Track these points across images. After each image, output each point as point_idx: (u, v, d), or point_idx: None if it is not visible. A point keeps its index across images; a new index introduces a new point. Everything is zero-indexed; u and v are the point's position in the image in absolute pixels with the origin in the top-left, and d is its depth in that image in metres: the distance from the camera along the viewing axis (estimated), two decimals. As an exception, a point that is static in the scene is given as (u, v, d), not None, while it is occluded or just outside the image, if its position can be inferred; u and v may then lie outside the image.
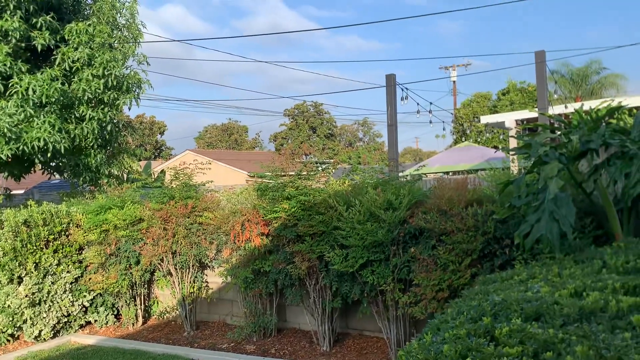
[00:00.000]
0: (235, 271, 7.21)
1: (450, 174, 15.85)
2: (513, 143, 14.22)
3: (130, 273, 7.97)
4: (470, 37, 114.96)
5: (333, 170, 7.82)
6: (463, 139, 33.14)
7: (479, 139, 32.31)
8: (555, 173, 3.89)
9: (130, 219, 7.95)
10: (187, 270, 7.85)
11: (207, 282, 8.14)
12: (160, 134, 61.49)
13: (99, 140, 9.90)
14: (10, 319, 7.64)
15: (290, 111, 59.23)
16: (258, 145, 63.97)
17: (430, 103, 21.59)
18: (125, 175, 12.26)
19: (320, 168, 7.86)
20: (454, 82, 37.40)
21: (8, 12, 8.64)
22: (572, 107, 12.56)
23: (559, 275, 3.12)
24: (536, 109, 11.62)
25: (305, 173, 7.29)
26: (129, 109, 10.43)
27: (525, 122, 13.93)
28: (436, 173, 16.16)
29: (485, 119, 15.78)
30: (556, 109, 13.14)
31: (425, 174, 13.61)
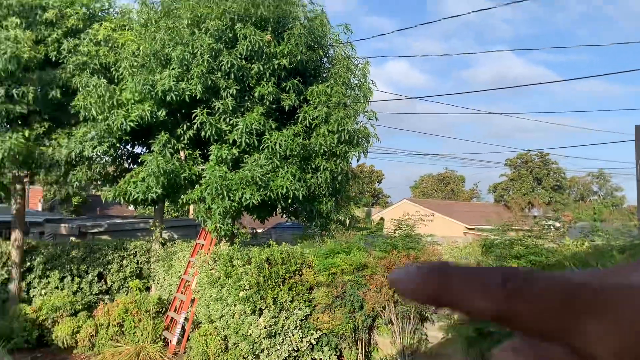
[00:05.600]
0: (458, 328, 7.02)
1: None
2: None
3: (354, 317, 8.37)
4: None
5: (567, 229, 7.20)
6: None
7: None
8: None
9: (356, 265, 8.41)
10: (408, 320, 7.93)
11: (426, 335, 8.09)
12: (378, 182, 64.12)
13: (330, 189, 10.79)
14: (251, 347, 8.62)
15: (513, 161, 56.40)
16: (476, 196, 62.13)
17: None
18: (348, 221, 13.08)
19: (552, 226, 7.33)
20: None
21: (264, 79, 10.15)
22: None
23: None
24: None
25: (535, 230, 6.86)
26: (357, 160, 11.20)
27: None
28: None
29: None
30: None
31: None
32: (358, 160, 12.03)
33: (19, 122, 10.96)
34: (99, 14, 11.98)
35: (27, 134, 10.40)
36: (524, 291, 0.25)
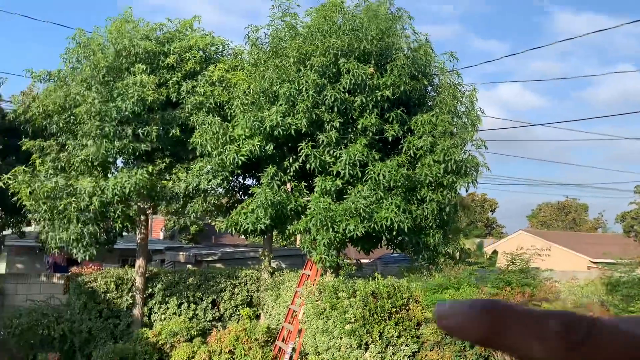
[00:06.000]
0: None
1: None
2: None
3: (465, 356, 7.94)
4: None
5: None
6: None
7: None
8: None
9: (465, 301, 8.02)
10: (523, 363, 7.38)
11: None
12: (491, 211, 61.33)
13: (437, 220, 10.46)
14: (357, 381, 8.47)
15: (643, 188, 51.26)
16: (601, 226, 57.17)
17: None
18: (458, 255, 12.56)
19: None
20: None
21: (367, 111, 10.21)
22: None
23: None
24: None
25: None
26: (467, 191, 10.80)
27: None
28: None
29: None
30: None
31: None
32: (467, 191, 11.61)
33: (144, 159, 11.94)
34: (214, 56, 12.86)
35: (150, 169, 11.29)
36: (586, 344, 0.22)
